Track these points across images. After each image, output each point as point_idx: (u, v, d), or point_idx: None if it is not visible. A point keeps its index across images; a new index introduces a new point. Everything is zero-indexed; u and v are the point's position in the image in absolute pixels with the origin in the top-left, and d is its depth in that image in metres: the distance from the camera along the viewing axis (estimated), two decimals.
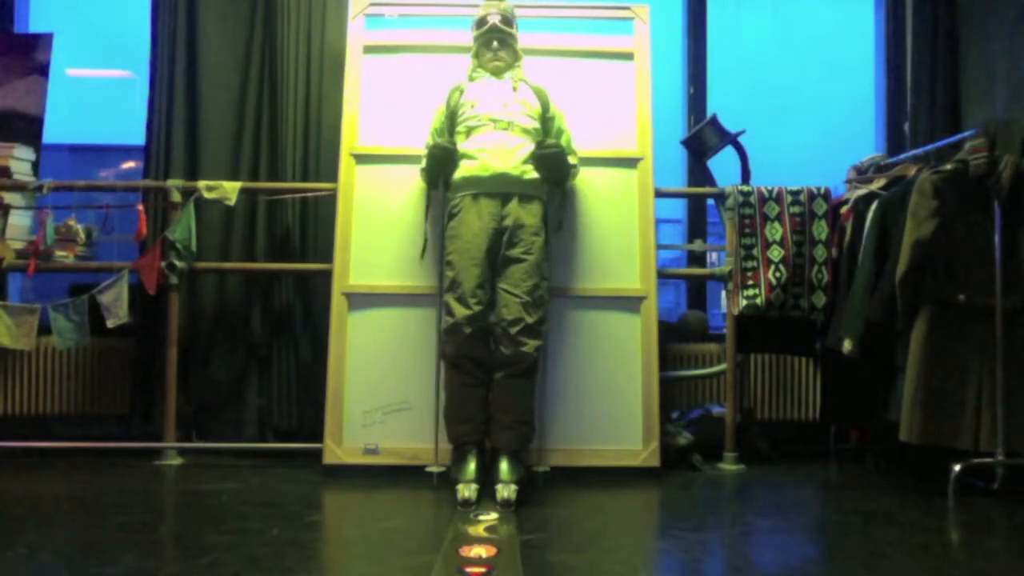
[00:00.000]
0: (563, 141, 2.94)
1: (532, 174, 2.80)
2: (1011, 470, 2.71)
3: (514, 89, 2.92)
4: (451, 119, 2.93)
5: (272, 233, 3.51)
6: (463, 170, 2.81)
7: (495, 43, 2.96)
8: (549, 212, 2.90)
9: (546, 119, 2.93)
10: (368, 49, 3.28)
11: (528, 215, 2.78)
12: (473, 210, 2.77)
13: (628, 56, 3.31)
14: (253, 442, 3.38)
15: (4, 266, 3.17)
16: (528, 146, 2.82)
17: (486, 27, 2.98)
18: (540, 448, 2.93)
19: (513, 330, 2.69)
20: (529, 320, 2.71)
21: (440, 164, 2.84)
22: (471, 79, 2.99)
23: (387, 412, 2.99)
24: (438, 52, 3.28)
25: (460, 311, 2.71)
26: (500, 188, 2.78)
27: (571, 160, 2.94)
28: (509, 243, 2.76)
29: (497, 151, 2.78)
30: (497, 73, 2.97)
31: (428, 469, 2.88)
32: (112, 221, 3.26)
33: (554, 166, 2.83)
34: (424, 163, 2.93)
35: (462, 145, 2.84)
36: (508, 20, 3.00)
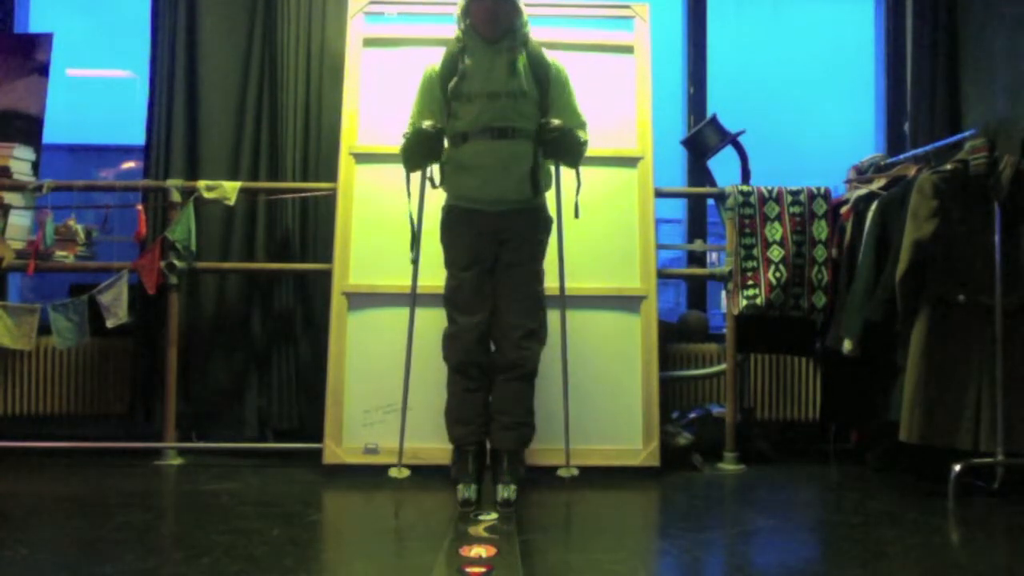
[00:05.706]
0: (567, 118, 2.63)
1: (531, 191, 2.67)
2: (1011, 470, 2.72)
3: (515, 72, 2.60)
4: (444, 94, 2.62)
5: (272, 233, 3.51)
6: (459, 184, 2.68)
7: None
8: (574, 197, 2.73)
9: (543, 103, 2.65)
10: (368, 42, 3.27)
11: (526, 223, 2.72)
12: (467, 220, 2.70)
13: (628, 49, 3.29)
14: (253, 442, 3.38)
15: (4, 266, 3.17)
16: (528, 156, 2.63)
17: None
18: (538, 448, 2.93)
19: (514, 335, 2.67)
20: (530, 325, 2.69)
21: (420, 152, 2.61)
22: (459, 41, 2.60)
23: (387, 412, 2.99)
24: (439, 45, 3.22)
25: (462, 319, 2.69)
26: (497, 208, 2.67)
27: (581, 136, 2.66)
28: (507, 250, 2.70)
29: (496, 168, 2.61)
30: (493, 36, 2.58)
31: (391, 473, 2.84)
32: (112, 221, 3.27)
33: (565, 149, 2.60)
34: (402, 146, 2.65)
35: (458, 149, 2.66)
36: None
